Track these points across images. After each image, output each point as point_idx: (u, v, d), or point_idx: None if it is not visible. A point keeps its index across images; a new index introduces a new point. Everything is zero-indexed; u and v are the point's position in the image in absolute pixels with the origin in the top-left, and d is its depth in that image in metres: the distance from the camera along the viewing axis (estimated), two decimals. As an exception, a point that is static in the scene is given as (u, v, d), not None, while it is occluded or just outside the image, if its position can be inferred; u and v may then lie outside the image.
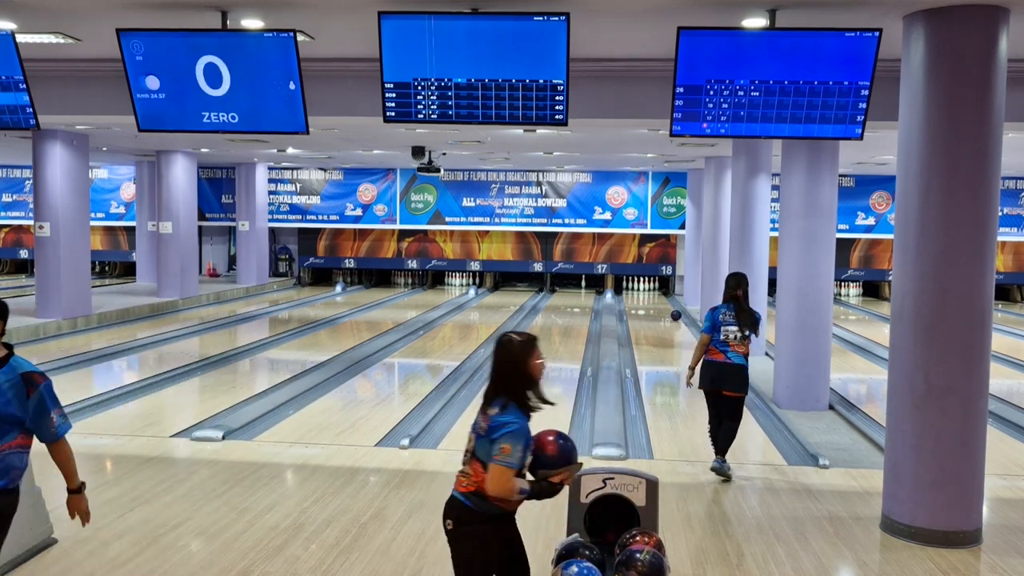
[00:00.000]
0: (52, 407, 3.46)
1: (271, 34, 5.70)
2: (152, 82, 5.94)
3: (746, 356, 6.47)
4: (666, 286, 22.14)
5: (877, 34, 5.26)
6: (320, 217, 22.04)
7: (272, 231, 22.64)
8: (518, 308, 18.28)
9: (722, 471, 6.40)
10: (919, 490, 5.23)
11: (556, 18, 5.29)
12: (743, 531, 5.44)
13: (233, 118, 6.00)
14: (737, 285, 6.58)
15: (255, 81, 5.83)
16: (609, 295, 21.21)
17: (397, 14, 5.40)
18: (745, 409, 6.75)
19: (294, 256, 23.20)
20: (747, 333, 6.46)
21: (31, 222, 19.70)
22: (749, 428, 7.79)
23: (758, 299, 11.57)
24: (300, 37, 6.08)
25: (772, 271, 9.31)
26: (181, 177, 17.81)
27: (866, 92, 5.43)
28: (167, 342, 12.83)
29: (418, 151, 15.50)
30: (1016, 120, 6.87)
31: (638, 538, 4.04)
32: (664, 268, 21.86)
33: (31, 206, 17.56)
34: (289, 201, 22.09)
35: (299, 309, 17.74)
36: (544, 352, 3.46)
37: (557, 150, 15.88)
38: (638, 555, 3.85)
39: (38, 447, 3.60)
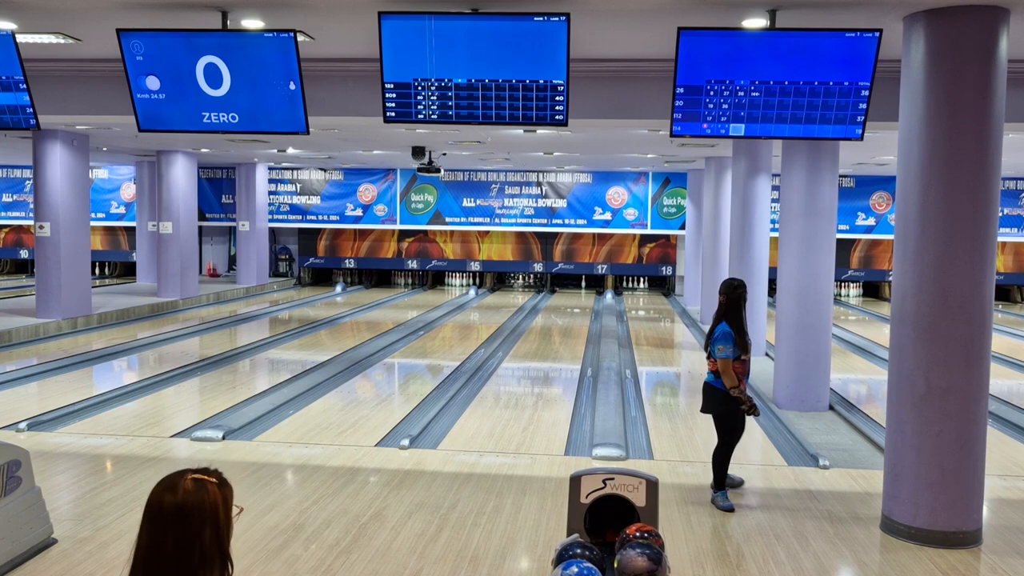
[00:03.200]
0: None
1: (271, 34, 5.70)
2: (152, 82, 5.94)
3: (714, 372, 5.88)
4: (664, 286, 22.17)
5: (877, 34, 5.26)
6: (320, 217, 22.04)
7: (272, 231, 22.65)
8: (518, 308, 18.29)
9: (733, 483, 6.15)
10: (919, 490, 5.23)
11: (556, 18, 5.29)
12: (743, 531, 5.43)
13: (233, 118, 6.00)
14: (721, 292, 5.97)
15: (255, 81, 5.83)
16: (609, 295, 21.22)
17: (397, 14, 5.40)
18: None
19: (294, 256, 23.20)
20: (709, 351, 5.92)
21: (31, 222, 19.70)
22: (749, 428, 7.77)
23: (758, 299, 11.59)
24: (300, 37, 6.08)
25: (772, 271, 9.31)
26: (181, 177, 17.81)
27: (866, 92, 5.43)
28: (167, 342, 12.83)
29: (418, 151, 15.50)
30: (1016, 120, 6.87)
31: (633, 529, 4.05)
32: (664, 268, 21.87)
33: (31, 206, 17.56)
34: (289, 201, 22.09)
35: (299, 309, 17.74)
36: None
37: (557, 150, 15.88)
38: (637, 545, 3.87)
39: (37, 447, 3.60)
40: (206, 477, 2.01)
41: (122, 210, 22.50)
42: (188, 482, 1.98)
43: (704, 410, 6.09)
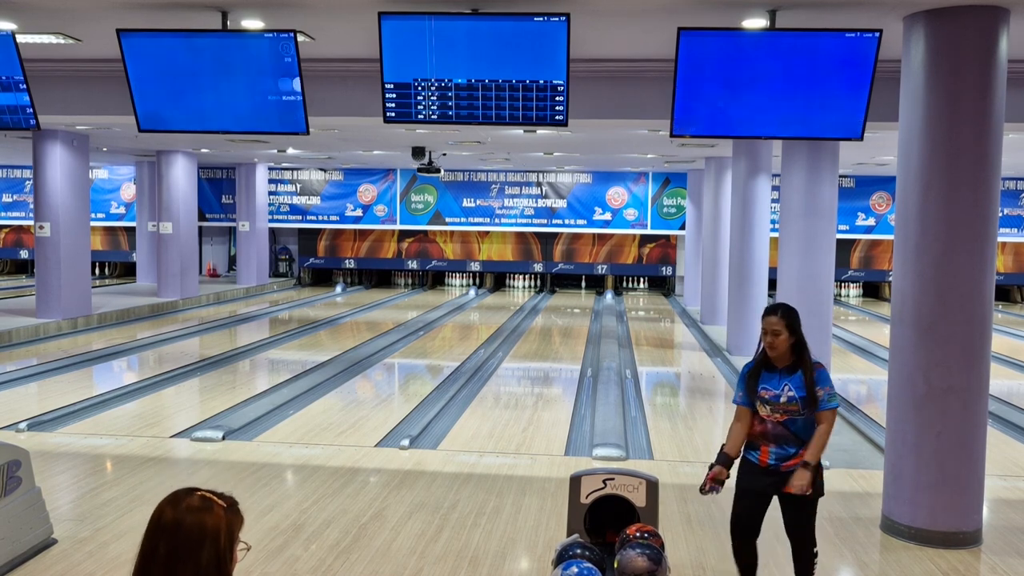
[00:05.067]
0: None
1: (271, 34, 5.70)
2: (152, 82, 5.93)
3: None
4: (665, 286, 22.17)
5: (877, 35, 5.26)
6: (320, 217, 22.04)
7: (272, 231, 22.64)
8: (518, 308, 18.29)
9: None
10: (919, 491, 5.23)
11: (556, 18, 5.29)
12: (743, 531, 5.43)
13: (233, 118, 5.99)
14: None
15: (256, 81, 5.83)
16: (609, 296, 21.22)
17: (397, 14, 5.40)
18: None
19: (294, 256, 23.20)
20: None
21: (31, 222, 19.70)
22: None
23: (757, 300, 11.58)
24: (300, 37, 6.08)
25: (772, 271, 9.32)
26: (181, 177, 17.81)
27: (866, 93, 5.43)
28: (167, 342, 12.83)
29: (418, 151, 15.51)
30: (1016, 120, 6.87)
31: (633, 529, 4.05)
32: (664, 269, 21.87)
33: (31, 206, 17.55)
34: (289, 201, 22.09)
35: (299, 309, 17.74)
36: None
37: (557, 150, 15.88)
38: (637, 545, 3.87)
39: (37, 447, 3.60)
40: (215, 498, 1.94)
41: (122, 210, 22.50)
42: (195, 499, 1.93)
43: None
